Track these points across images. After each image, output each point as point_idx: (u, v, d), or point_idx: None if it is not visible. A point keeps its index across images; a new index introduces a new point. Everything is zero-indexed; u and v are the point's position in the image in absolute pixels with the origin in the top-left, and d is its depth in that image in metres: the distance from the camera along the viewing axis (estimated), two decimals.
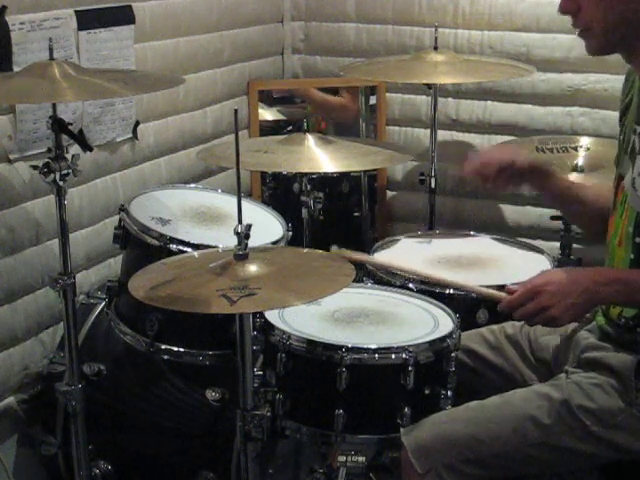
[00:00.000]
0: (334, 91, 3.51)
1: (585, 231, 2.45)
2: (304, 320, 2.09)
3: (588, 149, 2.92)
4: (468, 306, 2.29)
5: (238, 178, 1.73)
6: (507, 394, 1.94)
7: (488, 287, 2.30)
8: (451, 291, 2.33)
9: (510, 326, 2.19)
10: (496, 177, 2.17)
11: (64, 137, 2.08)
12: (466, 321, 2.18)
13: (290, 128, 3.39)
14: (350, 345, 1.95)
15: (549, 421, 1.87)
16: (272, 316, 2.09)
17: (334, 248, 2.07)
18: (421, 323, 2.12)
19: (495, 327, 2.20)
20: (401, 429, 1.92)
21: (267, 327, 2.06)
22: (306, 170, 2.55)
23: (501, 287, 2.32)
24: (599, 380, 1.91)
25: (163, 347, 2.22)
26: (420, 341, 2.00)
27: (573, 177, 2.78)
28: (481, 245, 2.70)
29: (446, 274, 2.39)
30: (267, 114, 3.46)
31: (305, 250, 2.16)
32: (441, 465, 1.86)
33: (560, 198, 2.25)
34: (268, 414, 1.83)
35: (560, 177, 2.24)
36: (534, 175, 2.19)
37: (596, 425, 1.86)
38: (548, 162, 2.31)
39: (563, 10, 1.90)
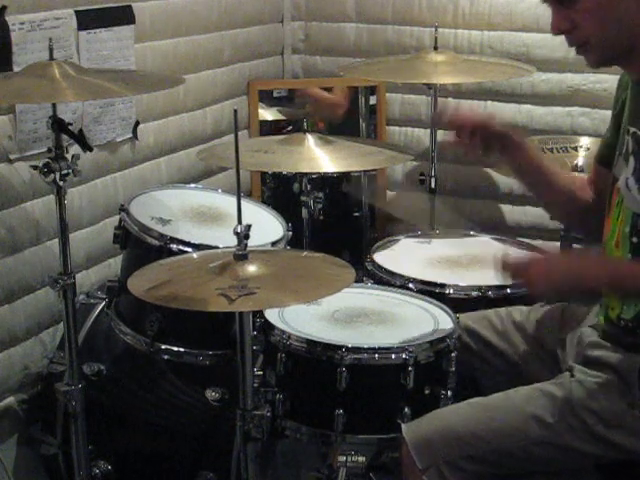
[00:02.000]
0: (328, 90, 3.51)
1: (551, 215, 2.42)
2: (304, 320, 2.09)
3: (588, 149, 2.92)
4: (468, 306, 2.29)
5: (238, 178, 1.73)
6: (510, 391, 1.94)
7: (489, 287, 2.32)
8: (451, 291, 2.33)
9: (518, 312, 2.18)
10: (470, 138, 2.13)
11: (64, 137, 2.07)
12: None
13: (290, 128, 3.39)
14: (350, 345, 1.95)
15: (552, 420, 1.87)
16: (272, 316, 2.09)
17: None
18: (421, 323, 2.12)
19: (502, 311, 2.20)
20: (402, 425, 1.92)
21: (267, 327, 2.06)
22: (306, 170, 2.55)
23: (501, 287, 2.35)
24: (603, 380, 1.90)
25: (163, 347, 2.22)
26: (420, 341, 2.00)
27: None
28: (481, 245, 2.70)
29: (446, 274, 2.40)
30: (267, 114, 3.46)
31: (304, 253, 2.15)
32: (442, 461, 1.86)
33: (527, 174, 2.21)
34: (268, 414, 1.83)
35: (533, 154, 2.19)
36: (506, 143, 2.14)
37: (598, 425, 1.86)
38: (524, 135, 2.26)
39: (557, 30, 1.88)
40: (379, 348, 1.97)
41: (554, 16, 1.87)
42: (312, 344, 1.98)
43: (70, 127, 2.08)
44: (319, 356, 1.97)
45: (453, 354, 2.01)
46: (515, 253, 1.91)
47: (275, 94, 3.48)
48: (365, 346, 1.96)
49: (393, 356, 1.96)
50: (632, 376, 1.88)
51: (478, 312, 2.23)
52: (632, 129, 1.91)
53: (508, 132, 2.15)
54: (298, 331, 2.03)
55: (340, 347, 1.95)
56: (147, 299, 1.71)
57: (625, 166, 1.92)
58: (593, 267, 1.86)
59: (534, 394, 1.92)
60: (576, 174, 2.78)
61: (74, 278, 2.15)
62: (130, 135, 2.77)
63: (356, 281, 2.07)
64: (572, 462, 1.92)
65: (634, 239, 1.89)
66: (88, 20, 2.53)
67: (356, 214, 3.52)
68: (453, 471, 1.86)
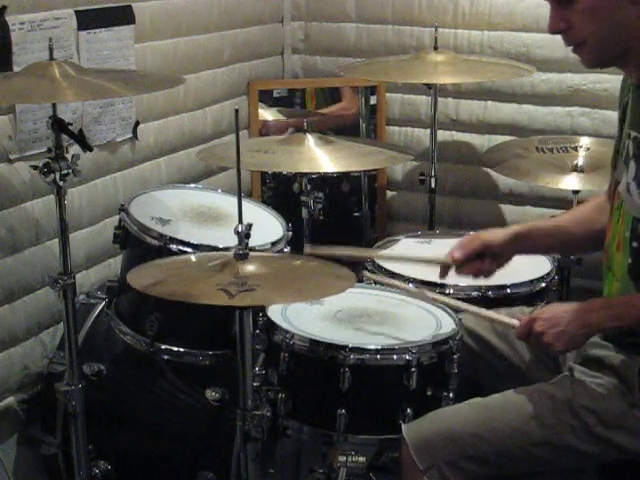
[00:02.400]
0: (334, 90, 3.51)
1: (586, 252, 2.45)
2: (307, 320, 2.09)
3: (588, 149, 2.92)
4: None
5: (238, 178, 1.73)
6: (510, 392, 1.94)
7: (489, 287, 2.32)
8: (451, 291, 2.33)
9: (519, 313, 2.18)
10: (476, 262, 2.11)
11: (64, 137, 2.07)
12: None
13: (291, 129, 3.39)
14: (353, 345, 1.95)
15: (552, 420, 1.87)
16: (275, 315, 2.09)
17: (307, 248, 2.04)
18: (423, 324, 2.12)
19: (503, 312, 2.19)
20: (402, 425, 1.92)
21: (270, 326, 2.06)
22: (306, 170, 2.55)
23: (501, 287, 2.35)
24: (602, 380, 1.91)
25: (163, 347, 2.22)
26: (423, 342, 2.00)
27: (573, 177, 2.79)
28: None
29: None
30: (267, 114, 3.46)
31: (299, 261, 2.14)
32: (442, 462, 1.86)
33: (551, 247, 2.27)
34: (268, 414, 1.83)
35: (540, 228, 2.20)
36: (516, 246, 2.14)
37: (598, 425, 1.86)
38: (525, 224, 2.25)
39: (553, 30, 1.88)
40: (382, 349, 1.97)
41: (552, 15, 1.88)
42: (315, 344, 1.98)
43: (70, 127, 2.08)
44: (322, 356, 1.97)
45: (455, 355, 2.01)
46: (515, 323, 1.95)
47: (275, 94, 3.48)
48: (368, 346, 1.96)
49: (396, 357, 1.96)
50: (632, 376, 1.88)
51: None
52: (633, 133, 1.90)
53: (510, 236, 2.13)
54: (301, 330, 2.03)
55: (343, 347, 1.95)
56: (147, 292, 1.70)
57: (626, 170, 1.91)
58: (594, 312, 1.88)
59: (534, 394, 1.92)
60: (576, 174, 2.78)
61: (74, 278, 2.14)
62: (130, 135, 2.77)
63: (358, 281, 2.08)
64: (572, 462, 1.92)
65: (634, 243, 1.89)
66: (88, 20, 2.53)
67: (356, 214, 3.52)
68: (454, 471, 1.86)
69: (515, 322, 1.97)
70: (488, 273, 2.13)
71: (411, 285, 2.33)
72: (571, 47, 1.89)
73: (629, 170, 1.90)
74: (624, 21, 1.81)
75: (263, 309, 2.08)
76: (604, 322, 1.89)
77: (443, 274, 2.14)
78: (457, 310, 2.13)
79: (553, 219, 2.33)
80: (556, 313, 1.90)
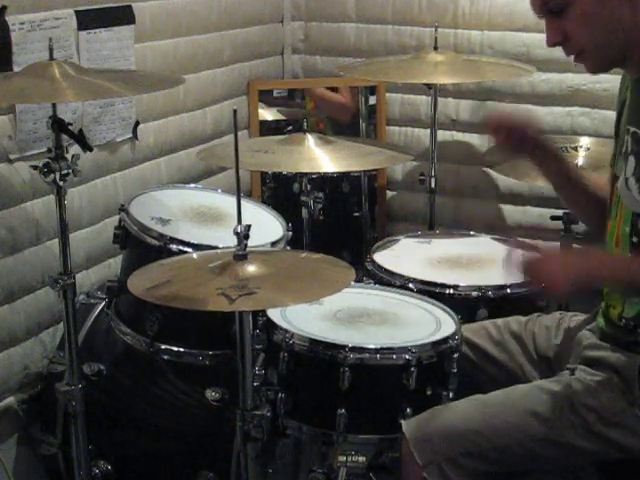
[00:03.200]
0: (334, 90, 3.51)
1: (581, 219, 2.43)
2: (307, 319, 2.09)
3: (588, 149, 2.92)
4: (468, 306, 2.29)
5: (238, 178, 1.73)
6: (510, 389, 1.95)
7: (489, 287, 2.32)
8: (451, 291, 2.33)
9: (515, 322, 2.19)
10: (506, 138, 2.13)
11: (64, 137, 2.07)
12: (466, 321, 2.18)
13: (290, 128, 3.39)
14: (353, 345, 1.95)
15: (551, 417, 1.87)
16: (275, 315, 2.09)
17: None
18: (423, 324, 2.12)
19: (500, 322, 2.20)
20: (402, 421, 1.92)
21: (270, 326, 2.06)
22: (306, 170, 2.55)
23: (501, 287, 2.35)
24: (602, 378, 1.91)
25: (163, 347, 2.22)
26: (423, 342, 2.00)
27: None
28: (481, 245, 2.70)
29: (446, 274, 2.39)
30: (267, 114, 3.46)
31: (303, 254, 2.15)
32: (442, 458, 1.86)
33: (559, 181, 2.23)
34: (268, 414, 1.83)
35: (564, 162, 2.20)
36: (539, 151, 2.15)
37: (598, 423, 1.87)
38: (556, 146, 2.26)
39: (551, 43, 1.88)
40: (382, 348, 1.97)
41: (548, 29, 1.88)
42: (315, 343, 1.99)
43: (70, 127, 2.08)
44: (322, 355, 1.97)
45: (455, 355, 2.01)
46: (518, 252, 1.89)
47: (275, 94, 3.48)
48: (368, 346, 1.97)
49: (395, 356, 1.96)
50: (632, 375, 1.89)
51: (476, 323, 2.24)
52: (632, 128, 1.91)
53: (543, 142, 2.15)
54: (301, 330, 2.03)
55: (343, 347, 1.95)
56: (147, 298, 1.71)
57: (624, 165, 1.92)
58: (597, 263, 1.87)
59: (534, 391, 1.93)
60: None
61: (74, 278, 2.14)
62: (130, 135, 2.77)
63: (357, 281, 2.08)
64: (572, 459, 1.92)
65: (634, 238, 1.89)
66: (88, 20, 2.53)
67: (356, 214, 3.52)
68: (453, 468, 1.86)
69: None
70: (502, 144, 2.18)
71: (411, 285, 2.34)
72: (572, 57, 1.90)
73: (628, 165, 1.90)
74: (618, 20, 1.81)
75: (263, 309, 2.08)
76: (603, 277, 1.88)
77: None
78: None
79: (579, 170, 2.33)
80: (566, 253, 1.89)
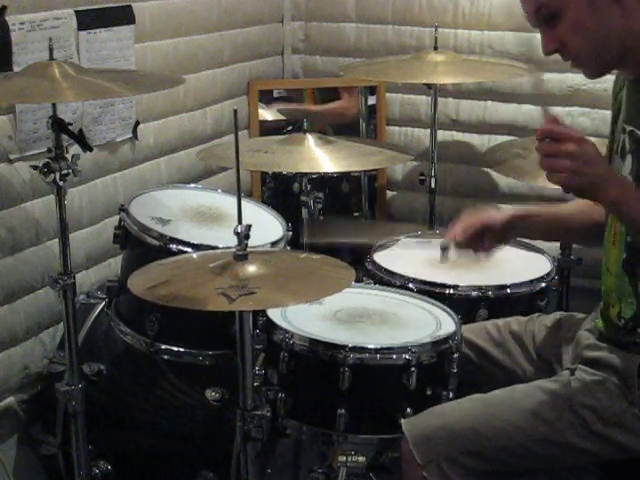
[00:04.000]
0: (333, 91, 3.51)
1: (587, 243, 2.44)
2: (307, 319, 2.09)
3: None
4: (468, 306, 2.29)
5: (238, 178, 1.73)
6: (510, 388, 1.95)
7: (489, 287, 2.32)
8: (451, 291, 2.33)
9: (515, 323, 2.19)
10: (476, 240, 2.12)
11: (64, 137, 2.07)
12: (466, 321, 2.18)
13: (290, 128, 3.39)
14: (353, 345, 1.95)
15: (551, 416, 1.87)
16: (275, 315, 2.09)
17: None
18: (423, 324, 2.12)
19: (500, 322, 2.20)
20: (402, 420, 1.92)
21: (270, 326, 2.06)
22: (306, 170, 2.55)
23: (501, 287, 2.35)
24: (602, 378, 1.91)
25: (163, 347, 2.22)
26: (423, 342, 2.00)
27: None
28: None
29: (446, 274, 2.39)
30: (267, 114, 3.46)
31: (303, 255, 2.15)
32: (442, 457, 1.86)
33: (550, 234, 2.28)
34: (268, 414, 1.83)
35: (540, 213, 2.19)
36: (517, 225, 2.14)
37: (598, 423, 1.87)
38: (526, 207, 2.24)
39: (548, 51, 1.88)
40: (382, 348, 1.97)
41: (543, 38, 1.88)
42: (315, 343, 1.98)
43: (70, 127, 2.08)
44: (322, 355, 1.97)
45: (455, 355, 2.01)
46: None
47: (275, 94, 3.48)
48: (368, 346, 1.96)
49: (395, 356, 1.96)
50: (632, 375, 1.88)
51: (477, 324, 2.24)
52: (628, 127, 1.91)
53: (513, 215, 2.13)
54: (301, 330, 2.03)
55: (343, 347, 1.95)
56: (147, 298, 1.71)
57: (622, 164, 1.92)
58: (612, 182, 1.76)
59: (534, 391, 1.93)
60: None
61: (74, 278, 2.14)
62: (130, 135, 2.77)
63: (357, 281, 2.08)
64: (572, 459, 1.92)
65: (629, 238, 1.89)
66: (88, 20, 2.53)
67: (356, 214, 3.52)
68: (453, 467, 1.86)
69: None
70: (487, 251, 2.14)
71: (411, 285, 2.34)
72: (570, 62, 1.90)
73: (625, 164, 1.90)
74: (611, 23, 1.81)
75: (263, 309, 2.08)
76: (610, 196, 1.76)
77: (444, 251, 2.13)
78: None
79: (555, 206, 2.30)
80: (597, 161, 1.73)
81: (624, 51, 1.84)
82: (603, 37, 1.83)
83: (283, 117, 3.51)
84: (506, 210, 2.16)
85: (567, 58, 1.89)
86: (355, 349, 1.94)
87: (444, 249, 2.14)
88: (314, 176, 2.69)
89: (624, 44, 1.83)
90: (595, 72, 1.92)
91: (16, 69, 2.26)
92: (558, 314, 2.21)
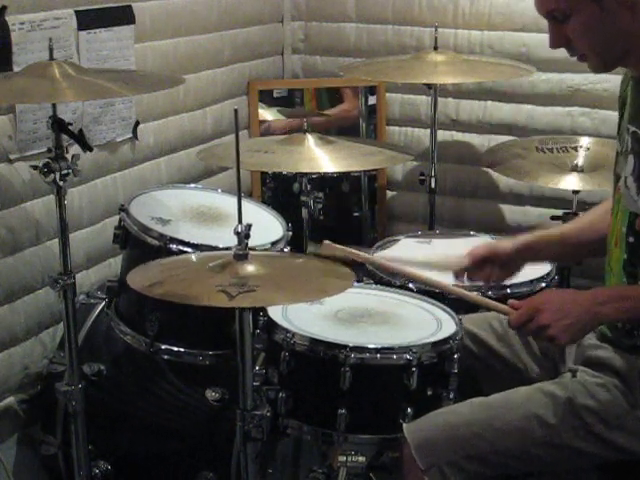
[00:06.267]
0: (335, 91, 3.51)
1: (595, 257, 2.44)
2: (307, 319, 2.09)
3: (588, 149, 2.92)
4: (468, 306, 2.28)
5: (238, 178, 1.73)
6: (511, 391, 1.94)
7: (489, 287, 2.32)
8: None
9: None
10: (484, 269, 2.14)
11: (64, 137, 2.07)
12: None
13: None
14: (353, 345, 1.95)
15: (553, 419, 1.87)
16: (276, 315, 2.09)
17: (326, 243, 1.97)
18: (424, 324, 2.12)
19: (503, 316, 2.20)
20: (403, 425, 1.92)
21: (271, 325, 2.06)
22: (306, 170, 2.55)
23: (501, 287, 2.34)
24: (604, 380, 1.91)
25: (163, 347, 2.22)
26: (423, 342, 2.00)
27: (573, 177, 2.79)
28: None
29: (446, 274, 2.39)
30: (267, 114, 3.46)
31: (302, 259, 2.14)
32: (443, 461, 1.85)
33: (559, 256, 2.27)
34: (268, 414, 1.83)
35: (548, 238, 2.19)
36: (523, 256, 2.15)
37: (599, 425, 1.87)
38: (538, 233, 2.23)
39: (554, 46, 1.90)
40: (382, 348, 1.97)
41: (551, 32, 1.90)
42: (316, 343, 1.98)
43: (70, 127, 2.08)
44: (322, 355, 1.97)
45: (456, 355, 2.01)
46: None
47: (275, 94, 3.48)
48: (369, 346, 1.96)
49: (396, 356, 1.95)
50: (633, 377, 1.89)
51: (479, 314, 2.23)
52: (632, 128, 1.91)
53: (517, 245, 2.14)
54: (302, 330, 2.03)
55: (344, 346, 1.94)
56: (147, 294, 1.71)
57: (625, 165, 1.92)
58: (605, 304, 1.85)
59: (535, 394, 1.92)
60: (576, 174, 2.79)
61: (74, 278, 2.15)
62: (130, 135, 2.77)
63: (357, 281, 2.08)
64: (573, 462, 1.92)
65: (630, 239, 1.89)
66: (88, 20, 2.53)
67: (356, 214, 3.52)
68: (455, 471, 1.86)
69: (507, 309, 1.92)
70: (497, 280, 2.17)
71: (411, 285, 2.34)
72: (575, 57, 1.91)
73: (627, 164, 1.91)
74: (619, 28, 1.83)
75: (264, 309, 2.08)
76: (614, 315, 1.87)
77: (457, 277, 2.17)
78: (445, 293, 2.16)
79: (561, 227, 2.34)
80: (564, 304, 1.85)
81: (630, 50, 1.86)
82: (610, 40, 1.84)
83: (283, 117, 3.51)
84: (517, 240, 2.16)
85: (573, 54, 1.90)
86: (356, 349, 1.94)
87: (457, 277, 2.17)
88: (314, 176, 2.69)
89: (631, 42, 1.84)
90: (601, 68, 1.92)
91: (16, 69, 2.26)
92: None
